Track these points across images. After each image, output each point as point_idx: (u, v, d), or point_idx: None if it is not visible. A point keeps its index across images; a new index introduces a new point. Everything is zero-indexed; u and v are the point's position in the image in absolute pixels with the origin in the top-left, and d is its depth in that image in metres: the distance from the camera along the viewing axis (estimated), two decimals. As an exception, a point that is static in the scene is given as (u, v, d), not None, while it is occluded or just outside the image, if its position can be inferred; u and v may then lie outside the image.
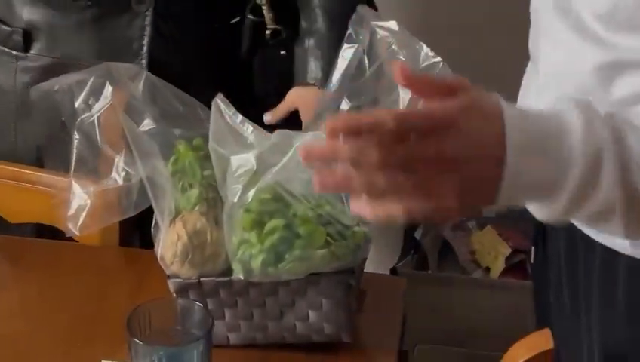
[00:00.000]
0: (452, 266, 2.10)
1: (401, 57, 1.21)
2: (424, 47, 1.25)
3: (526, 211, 1.20)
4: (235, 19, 1.60)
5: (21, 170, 1.50)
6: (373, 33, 1.24)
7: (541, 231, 1.23)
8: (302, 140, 1.13)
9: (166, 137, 1.26)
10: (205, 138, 1.24)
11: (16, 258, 1.44)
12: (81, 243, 1.45)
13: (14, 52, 1.53)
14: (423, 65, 1.24)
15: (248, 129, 1.18)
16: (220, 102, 1.19)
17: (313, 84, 1.52)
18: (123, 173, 1.22)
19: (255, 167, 1.14)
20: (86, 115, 1.22)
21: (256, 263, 1.16)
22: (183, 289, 1.22)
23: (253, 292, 1.21)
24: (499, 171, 0.81)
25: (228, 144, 1.18)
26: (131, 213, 1.25)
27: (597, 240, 1.02)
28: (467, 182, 0.81)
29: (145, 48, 1.49)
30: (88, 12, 1.49)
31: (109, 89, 1.21)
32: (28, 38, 1.53)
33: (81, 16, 1.49)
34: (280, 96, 1.58)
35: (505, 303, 1.98)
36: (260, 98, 1.60)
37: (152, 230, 1.24)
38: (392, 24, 1.25)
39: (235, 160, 1.15)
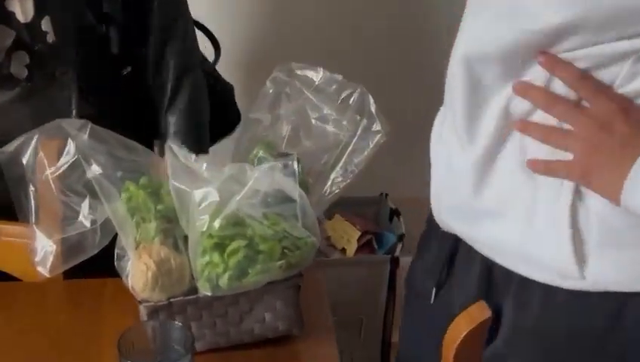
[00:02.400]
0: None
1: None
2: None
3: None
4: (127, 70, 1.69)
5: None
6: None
7: None
8: (257, 171, 1.25)
9: (111, 180, 1.33)
10: (149, 177, 1.34)
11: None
12: (26, 281, 1.49)
13: None
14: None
15: (202, 166, 1.28)
16: (172, 146, 1.28)
17: None
18: (90, 217, 1.28)
19: (218, 198, 1.24)
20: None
21: (223, 280, 1.26)
22: (154, 312, 1.30)
23: (217, 305, 1.31)
24: None
25: (184, 180, 1.27)
26: (95, 251, 1.31)
27: None
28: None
29: (74, 113, 1.55)
30: (21, 88, 1.52)
31: (71, 145, 1.27)
32: None
33: (14, 93, 1.52)
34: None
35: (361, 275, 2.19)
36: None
37: (116, 263, 1.32)
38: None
39: (198, 193, 1.24)
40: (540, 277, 1.14)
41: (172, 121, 1.71)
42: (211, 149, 1.72)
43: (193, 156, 1.27)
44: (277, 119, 1.44)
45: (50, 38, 1.51)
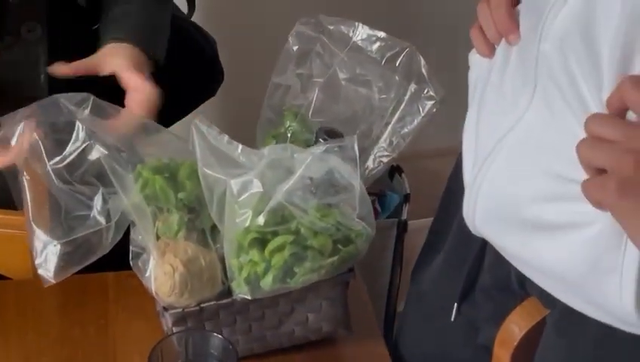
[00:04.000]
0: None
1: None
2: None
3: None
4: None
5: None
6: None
7: None
8: (309, 155, 1.04)
9: (123, 165, 1.11)
10: (162, 160, 1.13)
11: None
12: (15, 279, 1.28)
13: None
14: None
15: (237, 148, 1.06)
16: (200, 124, 1.06)
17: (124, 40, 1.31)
18: (104, 213, 1.06)
19: (262, 189, 1.03)
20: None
21: (265, 282, 1.06)
22: (182, 319, 1.10)
23: (254, 308, 1.11)
24: None
25: (215, 166, 1.06)
26: (107, 250, 1.10)
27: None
28: None
29: (42, 78, 1.30)
30: None
31: (80, 129, 1.04)
32: None
33: None
34: None
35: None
36: None
37: (132, 262, 1.11)
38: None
39: (236, 183, 1.03)
40: (597, 316, 0.94)
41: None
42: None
43: (226, 137, 1.06)
44: (306, 83, 1.23)
45: None
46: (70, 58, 1.32)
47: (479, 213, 1.03)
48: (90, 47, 1.35)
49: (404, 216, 1.93)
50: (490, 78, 1.02)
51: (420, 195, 1.99)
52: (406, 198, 1.96)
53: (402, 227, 1.92)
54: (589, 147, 0.76)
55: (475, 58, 1.08)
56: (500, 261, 1.06)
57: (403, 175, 2.00)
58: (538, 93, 0.93)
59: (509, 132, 0.96)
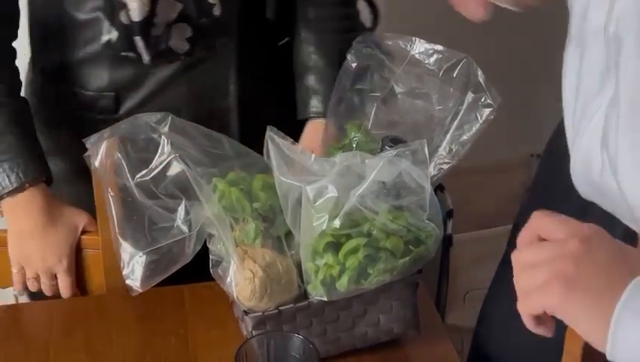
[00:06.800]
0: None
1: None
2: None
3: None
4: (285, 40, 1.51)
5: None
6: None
7: None
8: (381, 160, 1.07)
9: (205, 178, 1.14)
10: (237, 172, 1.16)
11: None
12: (96, 294, 1.31)
13: (100, 116, 1.36)
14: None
15: (310, 157, 1.09)
16: (274, 135, 1.09)
17: (316, 117, 1.43)
18: (187, 223, 1.09)
19: (337, 194, 1.06)
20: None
21: (341, 283, 1.09)
22: (261, 323, 1.12)
23: (329, 310, 1.14)
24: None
25: (289, 174, 1.09)
26: (189, 259, 1.12)
27: None
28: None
29: (232, 87, 1.38)
30: (181, 62, 1.34)
31: (165, 143, 1.07)
32: (117, 100, 1.36)
33: (173, 67, 1.34)
34: None
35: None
36: None
37: (212, 270, 1.13)
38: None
39: (312, 189, 1.06)
40: None
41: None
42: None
43: (299, 147, 1.09)
44: (365, 98, 1.26)
45: (217, 10, 1.32)
46: (255, 69, 1.42)
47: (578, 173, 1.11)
48: (274, 60, 1.47)
49: (449, 231, 1.95)
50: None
51: (463, 213, 2.02)
52: (449, 214, 1.98)
53: (448, 241, 1.95)
54: (526, 273, 0.79)
55: None
56: None
57: (445, 192, 2.02)
58: None
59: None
